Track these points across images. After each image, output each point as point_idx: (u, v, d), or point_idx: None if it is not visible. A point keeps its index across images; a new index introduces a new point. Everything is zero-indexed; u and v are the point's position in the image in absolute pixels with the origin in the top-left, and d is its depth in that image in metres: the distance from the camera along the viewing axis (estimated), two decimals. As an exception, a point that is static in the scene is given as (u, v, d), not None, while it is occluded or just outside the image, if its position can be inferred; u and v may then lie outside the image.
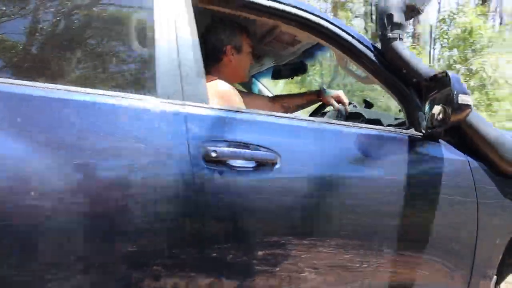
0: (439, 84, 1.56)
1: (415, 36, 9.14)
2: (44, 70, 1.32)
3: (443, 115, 1.50)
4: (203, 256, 1.29)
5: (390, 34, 1.72)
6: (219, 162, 1.31)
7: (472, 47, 8.31)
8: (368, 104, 2.46)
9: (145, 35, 1.43)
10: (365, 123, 1.77)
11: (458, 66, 8.28)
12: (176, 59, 1.42)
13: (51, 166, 1.13)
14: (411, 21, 10.13)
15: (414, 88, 1.71)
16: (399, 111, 1.90)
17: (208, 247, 1.31)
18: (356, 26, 8.39)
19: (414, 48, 8.56)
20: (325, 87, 2.43)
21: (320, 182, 1.47)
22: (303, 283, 1.44)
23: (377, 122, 1.91)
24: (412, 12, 1.85)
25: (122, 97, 1.28)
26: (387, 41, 1.73)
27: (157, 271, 1.24)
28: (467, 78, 8.35)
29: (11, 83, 1.17)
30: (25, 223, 1.10)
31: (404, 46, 1.74)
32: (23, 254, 1.10)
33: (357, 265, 1.51)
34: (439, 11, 9.29)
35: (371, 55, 1.74)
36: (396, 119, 2.05)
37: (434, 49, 9.22)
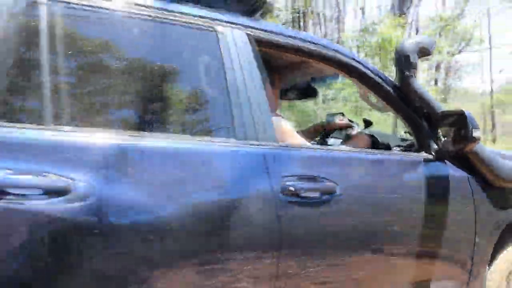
0: (454, 119, 2.04)
1: (339, 43, 9.55)
2: (144, 122, 1.56)
3: (457, 144, 2.01)
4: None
5: (408, 73, 2.15)
6: (295, 195, 1.61)
7: (392, 56, 8.82)
8: (367, 123, 2.89)
9: (221, 84, 1.67)
10: (378, 146, 2.40)
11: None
12: (248, 104, 1.68)
13: (169, 202, 1.43)
14: (336, 29, 10.57)
15: (425, 118, 2.19)
16: (405, 132, 2.75)
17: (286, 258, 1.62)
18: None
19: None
20: (328, 115, 2.95)
21: (374, 204, 1.89)
22: None
23: (387, 143, 2.47)
24: (423, 54, 2.29)
25: (211, 142, 1.58)
26: (405, 78, 2.17)
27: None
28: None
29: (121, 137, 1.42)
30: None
31: (419, 84, 2.21)
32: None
33: (408, 261, 2.06)
34: (360, 21, 9.79)
35: (390, 89, 2.18)
36: (402, 139, 2.73)
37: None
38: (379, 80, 2.17)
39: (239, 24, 1.81)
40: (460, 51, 16.48)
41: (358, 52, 9.31)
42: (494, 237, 2.36)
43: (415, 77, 2.22)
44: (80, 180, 1.29)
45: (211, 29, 1.73)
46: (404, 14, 10.43)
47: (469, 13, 15.74)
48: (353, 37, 9.48)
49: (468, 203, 2.24)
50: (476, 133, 2.01)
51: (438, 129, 2.19)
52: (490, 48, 18.65)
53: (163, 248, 1.41)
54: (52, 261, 1.27)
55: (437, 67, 15.17)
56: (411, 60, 2.20)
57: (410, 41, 2.27)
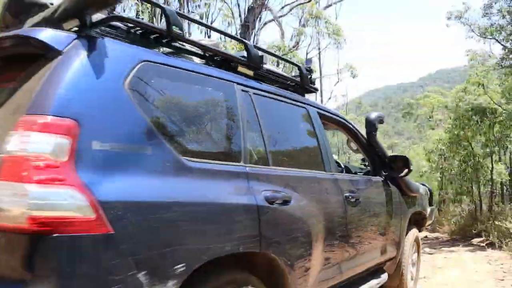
0: (401, 159, 4.44)
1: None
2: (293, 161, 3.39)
3: (400, 173, 4.40)
4: None
5: (372, 132, 4.34)
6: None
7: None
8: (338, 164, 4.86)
9: (315, 141, 3.50)
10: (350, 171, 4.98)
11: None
12: (325, 146, 3.57)
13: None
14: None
15: (378, 157, 4.45)
16: (361, 164, 6.02)
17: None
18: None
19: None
20: None
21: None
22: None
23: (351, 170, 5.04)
24: (380, 121, 4.47)
25: (317, 173, 3.35)
26: (370, 135, 4.38)
27: None
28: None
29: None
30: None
31: (377, 138, 4.48)
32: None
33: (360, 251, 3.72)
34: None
35: (363, 140, 4.43)
36: (361, 168, 5.50)
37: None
38: (359, 135, 4.40)
39: (314, 105, 3.70)
40: (295, 79, 18.33)
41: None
42: (407, 221, 4.72)
43: (375, 134, 4.40)
44: (293, 194, 2.80)
45: (305, 108, 3.51)
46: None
47: (304, 46, 17.63)
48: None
49: (399, 203, 4.55)
50: (410, 168, 4.43)
51: (387, 164, 4.46)
52: (321, 77, 20.98)
53: (326, 229, 3.11)
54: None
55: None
56: (374, 125, 4.39)
57: (373, 114, 4.44)
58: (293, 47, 16.30)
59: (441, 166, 17.72)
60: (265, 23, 14.38)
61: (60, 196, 1.53)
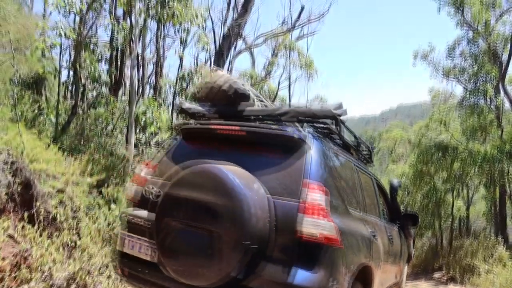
0: (412, 214, 6.86)
1: (156, 89, 9.55)
2: None
3: (411, 224, 6.40)
4: None
5: (394, 193, 6.32)
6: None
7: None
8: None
9: (375, 194, 5.23)
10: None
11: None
12: (379, 202, 5.37)
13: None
14: (153, 74, 10.58)
15: (397, 212, 6.20)
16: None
17: None
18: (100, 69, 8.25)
19: (155, 100, 8.89)
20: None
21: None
22: None
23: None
24: (399, 187, 7.49)
25: (379, 220, 4.99)
26: (393, 195, 6.32)
27: None
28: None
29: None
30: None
31: (397, 200, 7.05)
32: None
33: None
34: (179, 69, 10.00)
35: (389, 198, 6.32)
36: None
37: (174, 103, 9.82)
38: (388, 195, 5.98)
39: (374, 176, 5.49)
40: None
41: (174, 98, 9.49)
42: (406, 257, 6.33)
43: (396, 195, 6.16)
44: (377, 232, 4.44)
45: (371, 177, 5.28)
46: (220, 66, 11.18)
47: (275, 76, 18.03)
48: (171, 83, 9.64)
49: (405, 244, 6.06)
50: (419, 223, 7.03)
51: (402, 217, 6.11)
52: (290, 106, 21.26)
53: (381, 250, 4.48)
54: None
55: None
56: (396, 189, 6.13)
57: (395, 181, 6.35)
58: (265, 76, 16.53)
59: (404, 201, 18.11)
60: (240, 52, 14.53)
61: (329, 225, 3.10)
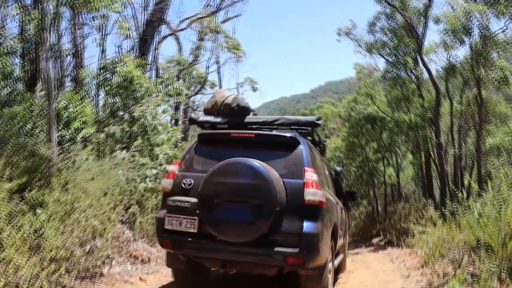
0: (350, 193, 8.36)
1: (77, 81, 8.95)
2: None
3: (351, 200, 8.34)
4: None
5: (338, 178, 8.18)
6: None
7: (133, 96, 8.83)
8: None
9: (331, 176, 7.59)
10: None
11: (121, 113, 8.59)
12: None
13: None
14: (72, 65, 9.90)
15: (340, 192, 7.74)
16: None
17: None
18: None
19: (77, 93, 8.34)
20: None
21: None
22: None
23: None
24: (342, 174, 10.96)
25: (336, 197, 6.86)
26: (337, 179, 8.05)
27: None
28: (131, 125, 8.76)
29: None
30: None
31: (340, 181, 8.90)
32: None
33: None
34: (100, 58, 9.43)
35: (334, 179, 7.92)
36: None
37: (98, 95, 9.27)
38: (333, 177, 7.23)
39: (325, 161, 7.08)
40: (196, 93, 18.26)
41: (98, 90, 8.97)
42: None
43: (339, 178, 7.91)
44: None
45: (325, 162, 6.90)
46: (145, 55, 10.74)
47: (203, 61, 17.65)
48: (93, 74, 9.07)
49: (347, 216, 7.66)
50: (357, 198, 10.18)
51: (344, 196, 7.61)
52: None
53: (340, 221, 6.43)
54: None
55: (176, 108, 16.31)
56: (339, 174, 7.91)
57: (339, 168, 8.45)
58: (193, 61, 16.14)
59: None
60: (165, 37, 14.03)
61: (321, 193, 4.67)
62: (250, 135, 5.00)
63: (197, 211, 4.52)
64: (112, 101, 8.76)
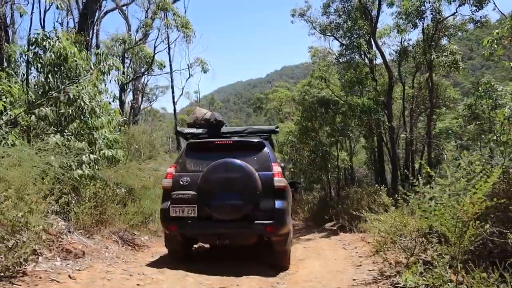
0: (293, 183, 8.34)
1: (2, 57, 7.99)
2: None
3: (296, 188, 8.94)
4: None
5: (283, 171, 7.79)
6: None
7: (68, 75, 8.04)
8: None
9: None
10: None
11: (54, 93, 7.79)
12: None
13: None
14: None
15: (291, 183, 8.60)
16: None
17: None
18: None
19: (2, 70, 7.46)
20: None
21: None
22: None
23: None
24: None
25: None
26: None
27: None
28: (66, 106, 7.98)
29: None
30: None
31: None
32: None
33: None
34: (29, 32, 8.49)
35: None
36: None
37: (29, 74, 8.36)
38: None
39: None
40: (143, 74, 17.34)
41: (29, 67, 8.07)
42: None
43: (285, 170, 8.96)
44: None
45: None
46: (84, 31, 9.84)
47: (151, 39, 16.67)
48: (22, 50, 8.16)
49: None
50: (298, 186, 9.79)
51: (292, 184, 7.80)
52: (171, 72, 20.13)
53: None
54: None
55: (122, 89, 15.35)
56: (284, 167, 7.95)
57: (282, 163, 8.48)
58: (140, 40, 15.21)
59: (293, 158, 18.57)
60: (106, 12, 13.06)
61: (284, 180, 6.43)
62: (229, 142, 6.75)
63: (198, 200, 6.05)
64: (45, 80, 7.93)
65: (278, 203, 6.00)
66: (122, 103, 14.89)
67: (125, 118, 11.34)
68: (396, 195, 7.63)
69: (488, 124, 12.52)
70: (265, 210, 5.92)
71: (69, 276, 5.17)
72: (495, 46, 6.36)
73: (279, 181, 6.12)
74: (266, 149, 6.47)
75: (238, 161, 6.03)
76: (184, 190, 6.14)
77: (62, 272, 5.23)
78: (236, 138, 7.00)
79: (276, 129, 7.88)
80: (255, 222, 5.87)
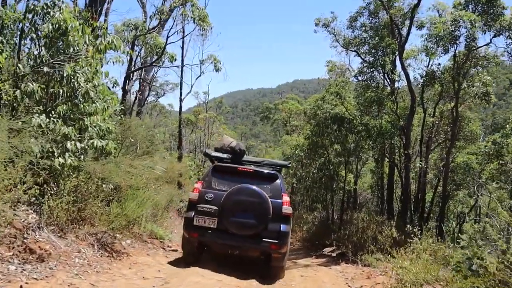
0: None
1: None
2: None
3: None
4: None
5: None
6: None
7: (66, 51, 7.17)
8: None
9: None
10: None
11: (46, 68, 6.92)
12: None
13: None
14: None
15: None
16: None
17: None
18: None
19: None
20: None
21: None
22: None
23: None
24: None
25: None
26: None
27: None
28: (58, 85, 7.10)
29: None
30: None
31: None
32: None
33: None
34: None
35: None
36: None
37: (22, 45, 7.50)
38: None
39: None
40: (152, 64, 16.46)
41: (23, 37, 7.20)
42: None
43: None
44: None
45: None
46: (92, 8, 9.00)
47: (165, 29, 15.79)
48: (17, 16, 7.29)
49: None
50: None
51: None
52: (182, 66, 19.20)
53: None
54: None
55: (128, 77, 14.41)
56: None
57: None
58: (153, 28, 14.35)
59: (298, 173, 17.61)
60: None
61: (291, 209, 7.51)
62: (250, 170, 7.71)
63: (219, 214, 7.07)
64: (38, 53, 7.04)
65: (283, 227, 7.10)
66: (125, 92, 13.98)
67: (123, 107, 10.41)
68: (406, 229, 6.91)
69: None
70: (272, 231, 7.00)
71: (21, 287, 4.23)
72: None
73: (287, 208, 7.23)
74: (278, 180, 7.58)
75: (257, 188, 7.13)
76: (208, 204, 7.20)
77: (13, 280, 4.29)
78: (255, 167, 8.02)
79: (289, 165, 9.32)
80: (263, 239, 6.99)
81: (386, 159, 15.70)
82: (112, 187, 8.36)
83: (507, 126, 11.80)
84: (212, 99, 47.21)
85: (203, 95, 36.58)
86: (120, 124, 10.39)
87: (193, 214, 7.15)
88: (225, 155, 8.45)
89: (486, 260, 4.28)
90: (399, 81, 14.84)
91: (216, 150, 8.77)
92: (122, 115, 10.42)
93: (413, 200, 13.76)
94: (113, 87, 8.88)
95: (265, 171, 7.74)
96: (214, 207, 7.09)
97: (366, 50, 14.97)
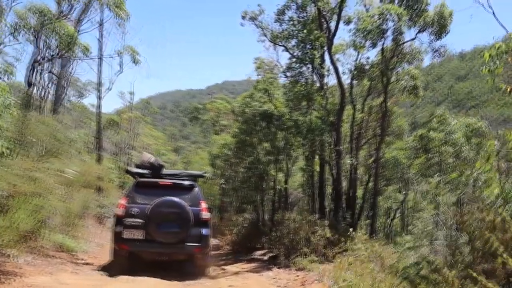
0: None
1: None
2: None
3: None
4: None
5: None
6: None
7: None
8: None
9: None
10: None
11: None
12: None
13: None
14: None
15: None
16: None
17: None
18: None
19: None
20: None
21: None
22: None
23: None
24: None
25: None
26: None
27: None
28: None
29: None
30: None
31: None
32: None
33: None
34: None
35: None
36: None
37: None
38: None
39: None
40: (58, 55, 14.67)
41: None
42: None
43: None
44: None
45: None
46: None
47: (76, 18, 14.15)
48: None
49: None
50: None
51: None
52: (101, 57, 17.42)
53: None
54: None
55: (33, 69, 12.63)
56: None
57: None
58: (64, 16, 12.79)
59: (226, 173, 16.76)
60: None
61: (209, 214, 8.48)
62: (169, 183, 8.46)
63: (145, 227, 7.80)
64: None
65: (204, 231, 8.03)
66: (29, 85, 12.27)
67: (17, 100, 8.91)
68: (339, 226, 6.40)
69: (439, 157, 11.58)
70: (194, 236, 7.85)
71: None
72: (497, 62, 5.08)
73: (205, 214, 8.12)
74: (196, 189, 8.45)
75: (177, 200, 7.90)
76: (134, 218, 7.87)
77: None
78: (174, 180, 8.62)
79: (204, 174, 10.75)
80: (187, 244, 7.86)
81: (317, 157, 15.34)
82: (7, 195, 7.01)
83: (434, 119, 11.83)
84: (139, 100, 45.10)
85: (129, 96, 34.53)
86: (17, 121, 8.90)
87: (121, 228, 7.84)
88: (145, 171, 9.10)
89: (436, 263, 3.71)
90: (328, 75, 14.50)
91: (137, 166, 9.60)
92: (20, 110, 8.93)
93: (345, 197, 13.49)
94: (4, 75, 7.47)
95: (184, 182, 8.51)
96: (141, 220, 7.82)
97: (295, 44, 14.45)
